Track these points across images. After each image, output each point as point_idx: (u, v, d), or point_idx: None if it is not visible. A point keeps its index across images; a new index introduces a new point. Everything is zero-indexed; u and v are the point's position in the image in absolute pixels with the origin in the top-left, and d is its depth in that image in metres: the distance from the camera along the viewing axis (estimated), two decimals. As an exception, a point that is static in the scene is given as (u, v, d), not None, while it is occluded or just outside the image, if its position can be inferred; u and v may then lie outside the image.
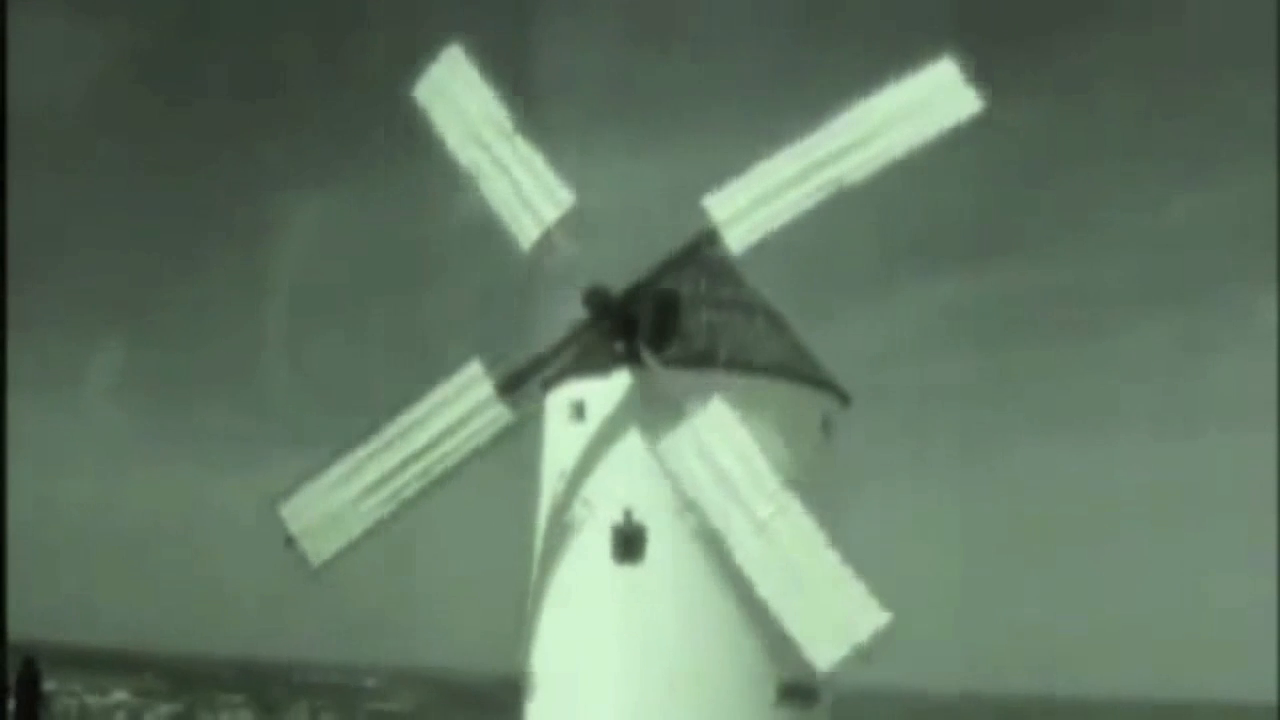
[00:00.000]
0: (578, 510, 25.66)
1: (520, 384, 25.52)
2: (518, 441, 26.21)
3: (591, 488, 25.56)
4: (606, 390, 25.65)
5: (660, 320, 25.59)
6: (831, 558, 22.59)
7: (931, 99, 23.93)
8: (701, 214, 25.12)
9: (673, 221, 25.97)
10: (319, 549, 25.23)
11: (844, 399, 27.57)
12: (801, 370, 26.75)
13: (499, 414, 25.05)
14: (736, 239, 24.80)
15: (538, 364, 25.91)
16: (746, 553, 23.02)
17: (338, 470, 25.30)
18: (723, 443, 23.47)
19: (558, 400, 26.65)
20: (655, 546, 24.85)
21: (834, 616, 22.26)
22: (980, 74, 23.92)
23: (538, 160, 25.44)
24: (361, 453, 25.19)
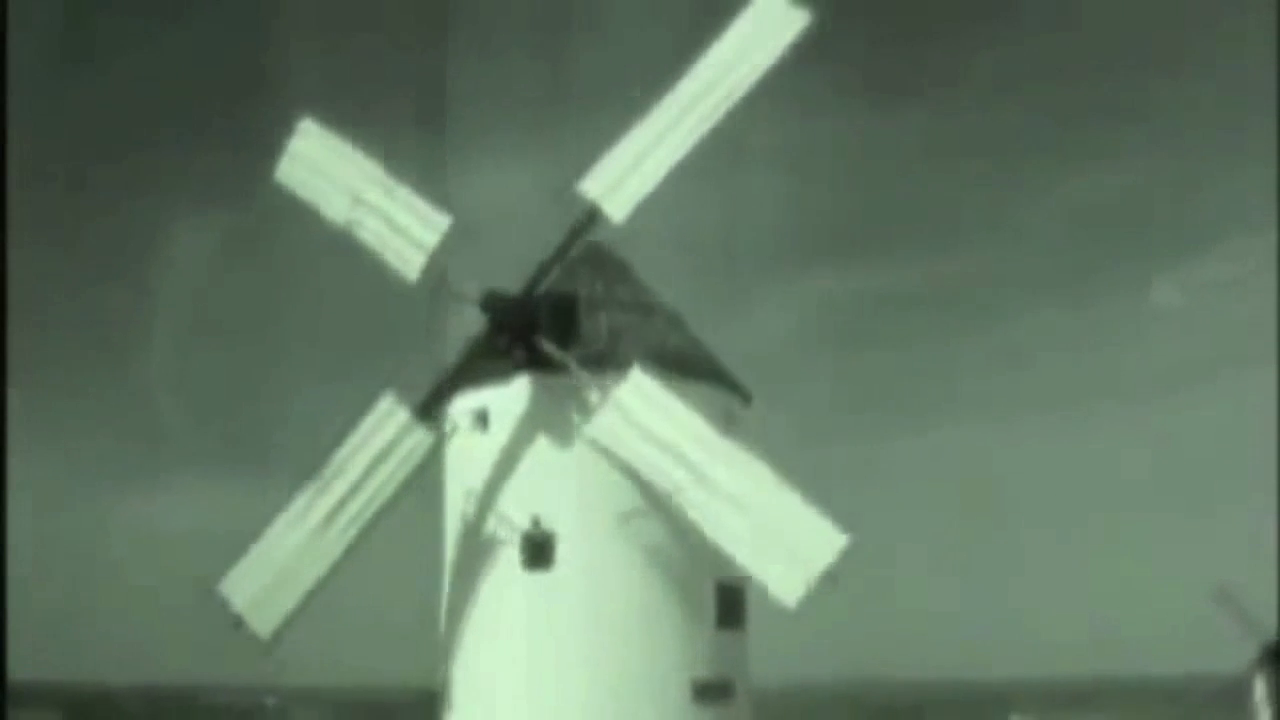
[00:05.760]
0: (486, 519, 25.43)
1: (435, 405, 25.59)
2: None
3: (498, 496, 25.36)
4: (509, 397, 25.49)
5: (559, 322, 25.49)
6: (781, 492, 22.27)
7: (760, 30, 24.33)
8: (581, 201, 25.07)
9: (564, 219, 25.79)
10: (266, 619, 24.59)
11: (745, 396, 27.65)
12: (702, 368, 26.77)
13: (420, 438, 25.03)
14: (617, 208, 24.73)
15: (448, 383, 25.95)
16: (696, 506, 22.70)
17: (272, 532, 24.90)
18: (646, 406, 23.50)
19: (460, 410, 26.38)
20: (564, 552, 24.74)
21: (793, 550, 21.84)
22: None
23: (412, 198, 25.51)
24: (297, 505, 24.84)
